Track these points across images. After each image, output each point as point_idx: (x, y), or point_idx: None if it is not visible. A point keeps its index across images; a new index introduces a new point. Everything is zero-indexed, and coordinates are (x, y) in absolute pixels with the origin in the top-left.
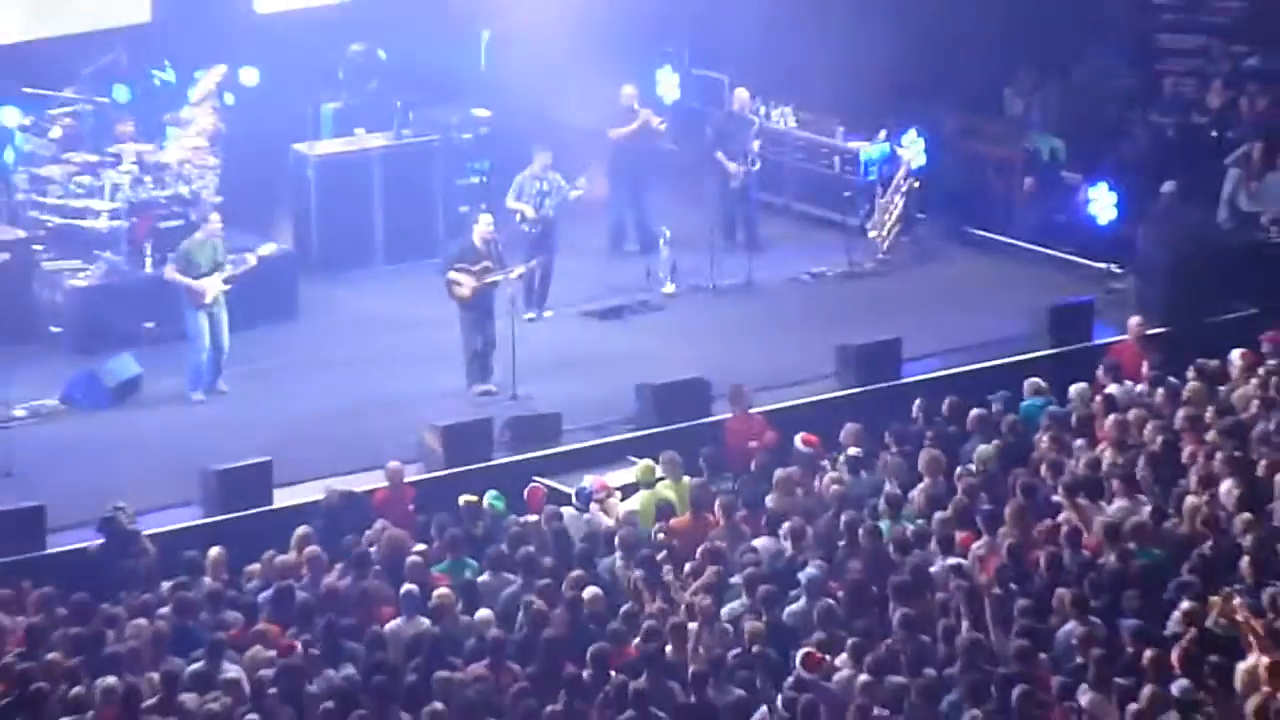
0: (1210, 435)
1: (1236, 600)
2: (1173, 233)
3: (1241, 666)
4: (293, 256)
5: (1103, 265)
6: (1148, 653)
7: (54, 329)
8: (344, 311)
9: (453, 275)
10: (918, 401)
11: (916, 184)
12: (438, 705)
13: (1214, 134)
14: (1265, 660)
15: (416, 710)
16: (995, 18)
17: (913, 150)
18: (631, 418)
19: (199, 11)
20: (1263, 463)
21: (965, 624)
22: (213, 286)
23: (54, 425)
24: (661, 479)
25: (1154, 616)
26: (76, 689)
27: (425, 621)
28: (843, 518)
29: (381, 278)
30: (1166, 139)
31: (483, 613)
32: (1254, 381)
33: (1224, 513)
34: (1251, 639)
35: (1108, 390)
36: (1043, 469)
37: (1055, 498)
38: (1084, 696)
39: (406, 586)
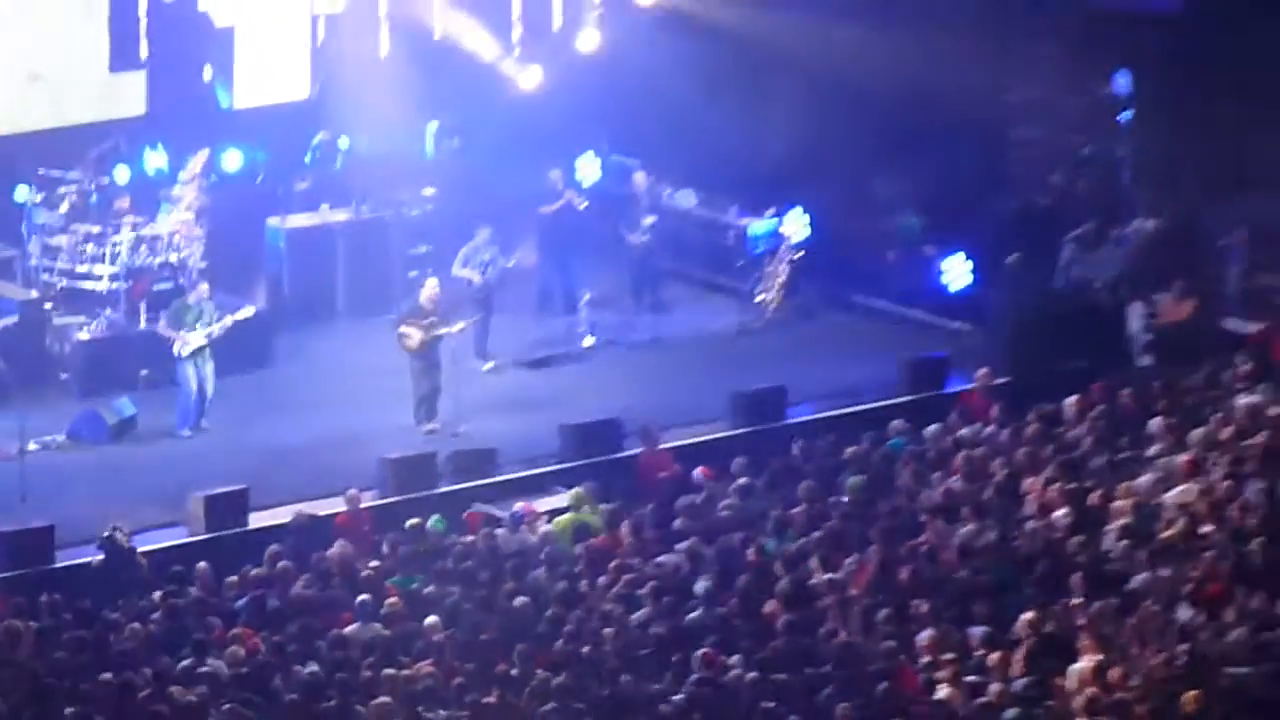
0: (1048, 470)
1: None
2: (1017, 296)
3: (1074, 668)
4: (267, 313)
5: (957, 325)
6: (994, 655)
7: (62, 375)
8: (312, 360)
9: (404, 329)
10: (798, 441)
11: (798, 255)
12: (386, 699)
13: (1053, 212)
14: (1093, 662)
15: (371, 702)
16: (870, 115)
17: (796, 226)
18: (556, 453)
19: (185, 105)
20: (1093, 493)
21: (840, 629)
22: (195, 340)
23: (62, 457)
24: (582, 505)
25: (1000, 624)
26: (80, 684)
27: (378, 626)
28: (735, 537)
29: (343, 332)
30: (1013, 216)
31: (429, 619)
32: (1085, 424)
33: (1059, 535)
34: (1082, 644)
35: (959, 431)
36: (905, 497)
37: (916, 521)
38: (941, 692)
39: (362, 596)
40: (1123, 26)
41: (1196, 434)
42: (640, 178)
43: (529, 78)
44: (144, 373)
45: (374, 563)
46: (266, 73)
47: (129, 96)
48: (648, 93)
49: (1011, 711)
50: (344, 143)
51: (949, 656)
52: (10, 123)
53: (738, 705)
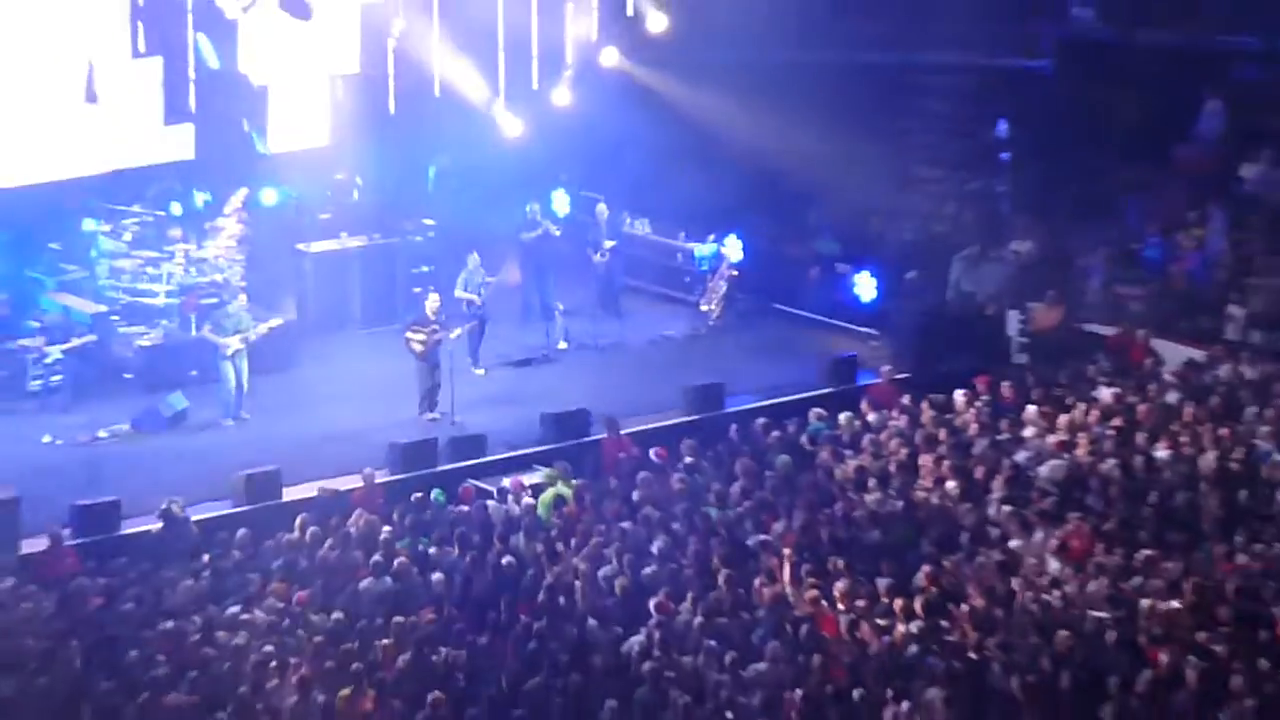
0: (941, 449)
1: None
2: (915, 306)
3: (964, 608)
4: (295, 323)
5: (866, 330)
6: (899, 601)
7: (126, 375)
8: (332, 362)
9: (410, 335)
10: (734, 426)
11: (735, 273)
12: (394, 640)
13: (945, 237)
14: (979, 604)
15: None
16: (795, 158)
17: (733, 249)
18: (536, 438)
19: (227, 151)
20: (978, 468)
21: (771, 581)
22: (234, 344)
23: (127, 444)
24: (558, 480)
25: (903, 577)
26: (141, 632)
27: (389, 581)
28: (684, 506)
29: (358, 338)
30: (912, 240)
31: (434, 575)
32: (972, 411)
33: (950, 503)
34: (970, 593)
35: (868, 417)
36: (823, 472)
37: (833, 492)
38: (855, 633)
39: (376, 556)
40: (1004, 82)
41: (1064, 419)
42: (601, 209)
43: (512, 128)
44: (193, 373)
45: (386, 529)
46: (293, 124)
47: (180, 144)
48: (610, 140)
49: (913, 648)
50: (358, 181)
51: (861, 604)
52: (81, 166)
53: (687, 644)
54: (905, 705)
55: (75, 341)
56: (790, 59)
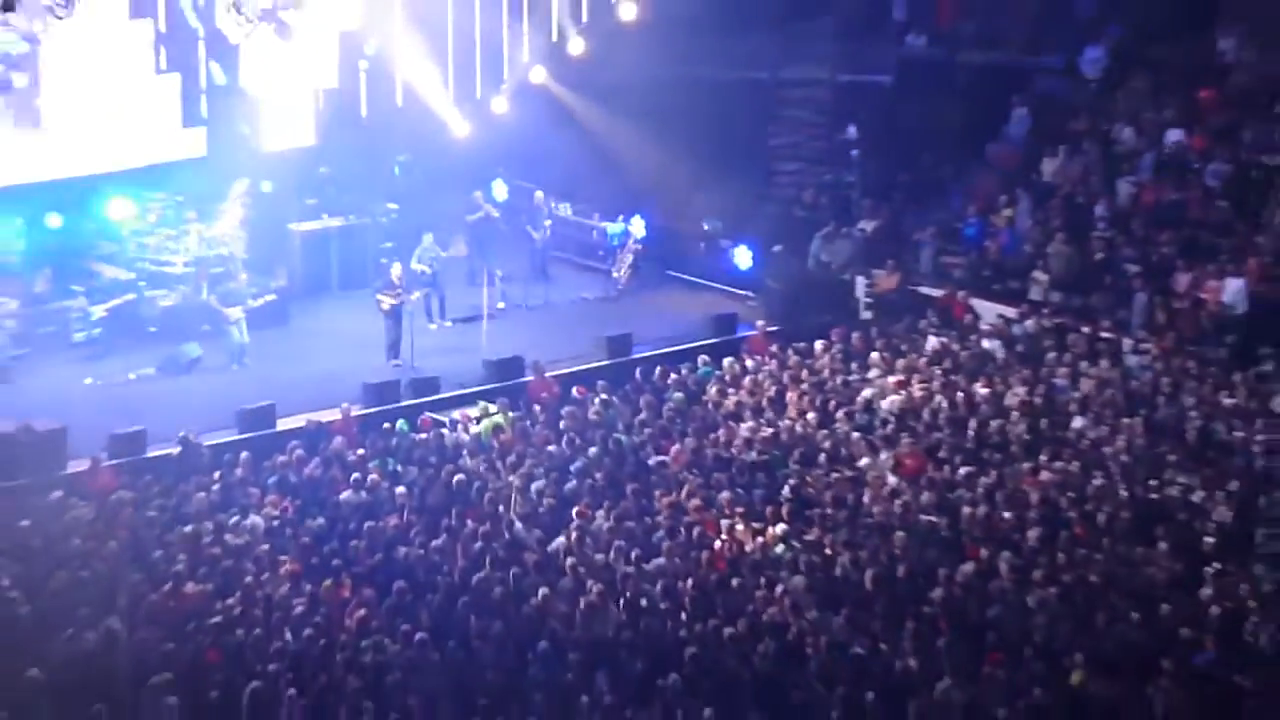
0: (803, 387)
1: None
2: (782, 273)
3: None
4: (286, 288)
5: (744, 292)
6: (769, 508)
7: (151, 329)
8: (316, 319)
9: (379, 297)
10: (638, 369)
11: (640, 247)
12: (365, 541)
13: (806, 218)
14: (832, 511)
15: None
16: (685, 156)
17: (637, 228)
18: (480, 379)
19: (232, 149)
20: (831, 402)
21: (668, 493)
22: (235, 314)
23: (152, 385)
24: (497, 413)
25: (773, 490)
26: (164, 535)
27: (364, 494)
28: (599, 433)
29: (337, 301)
30: (779, 220)
31: (398, 489)
32: (827, 357)
33: (811, 431)
34: (826, 503)
35: (746, 362)
36: (710, 406)
37: (717, 421)
38: (735, 534)
39: (354, 474)
40: (853, 94)
41: (901, 363)
42: (539, 195)
43: (460, 129)
44: (205, 328)
45: (360, 451)
46: (284, 127)
47: (194, 143)
48: (539, 140)
49: (780, 547)
50: (323, 170)
51: (740, 510)
52: (114, 162)
53: (600, 544)
54: (776, 591)
55: (112, 302)
56: (682, 75)
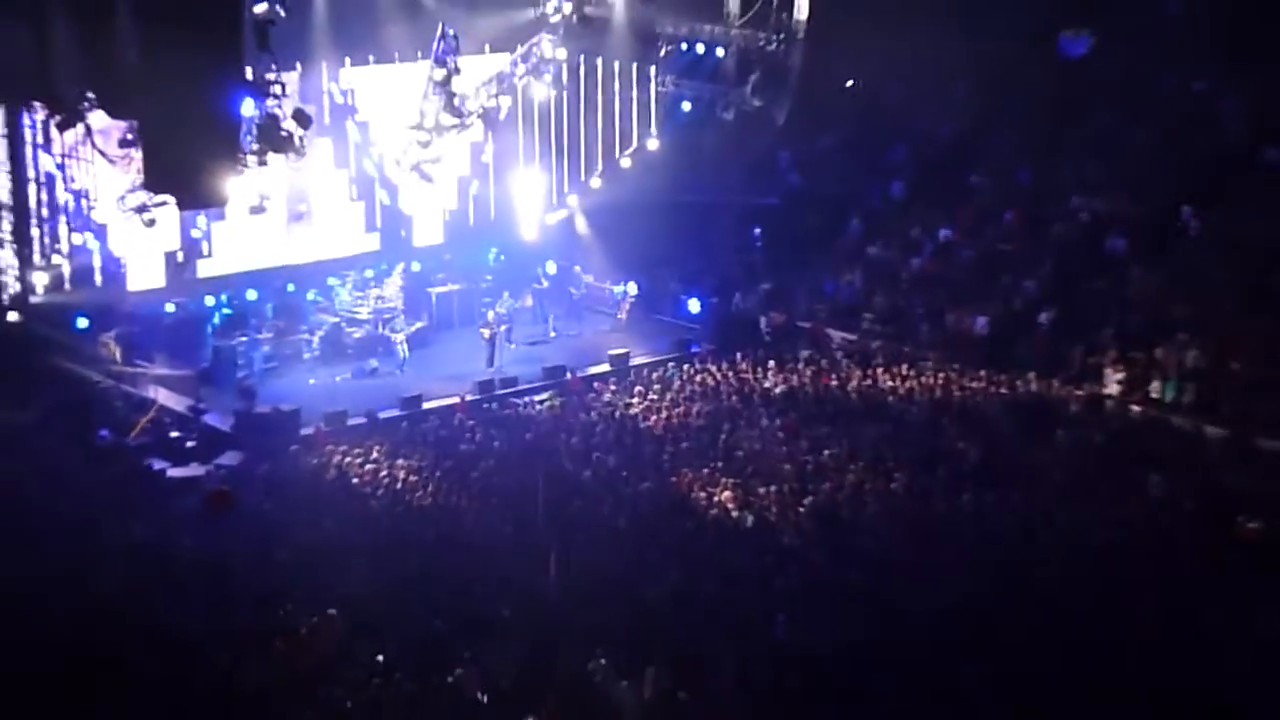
0: (730, 383)
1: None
2: (717, 315)
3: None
4: (426, 326)
5: (694, 326)
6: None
7: (349, 351)
8: (444, 345)
9: (481, 330)
10: (633, 370)
11: (633, 299)
12: (476, 474)
13: (727, 280)
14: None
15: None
16: (662, 242)
17: (632, 288)
18: (540, 378)
19: (396, 245)
20: (746, 390)
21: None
22: (399, 339)
23: (348, 384)
24: (550, 398)
25: (714, 441)
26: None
27: (473, 445)
28: (610, 409)
29: (457, 333)
30: (715, 282)
31: (494, 443)
32: (745, 365)
33: (736, 406)
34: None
35: (697, 368)
36: (677, 391)
37: (683, 400)
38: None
39: (467, 434)
40: (756, 210)
41: (787, 369)
42: (577, 269)
43: (530, 233)
44: (380, 349)
45: (470, 422)
46: (425, 232)
47: (372, 242)
48: (572, 237)
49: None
50: (449, 257)
51: (689, 449)
52: (327, 252)
53: (615, 474)
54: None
55: (320, 331)
56: (660, 198)
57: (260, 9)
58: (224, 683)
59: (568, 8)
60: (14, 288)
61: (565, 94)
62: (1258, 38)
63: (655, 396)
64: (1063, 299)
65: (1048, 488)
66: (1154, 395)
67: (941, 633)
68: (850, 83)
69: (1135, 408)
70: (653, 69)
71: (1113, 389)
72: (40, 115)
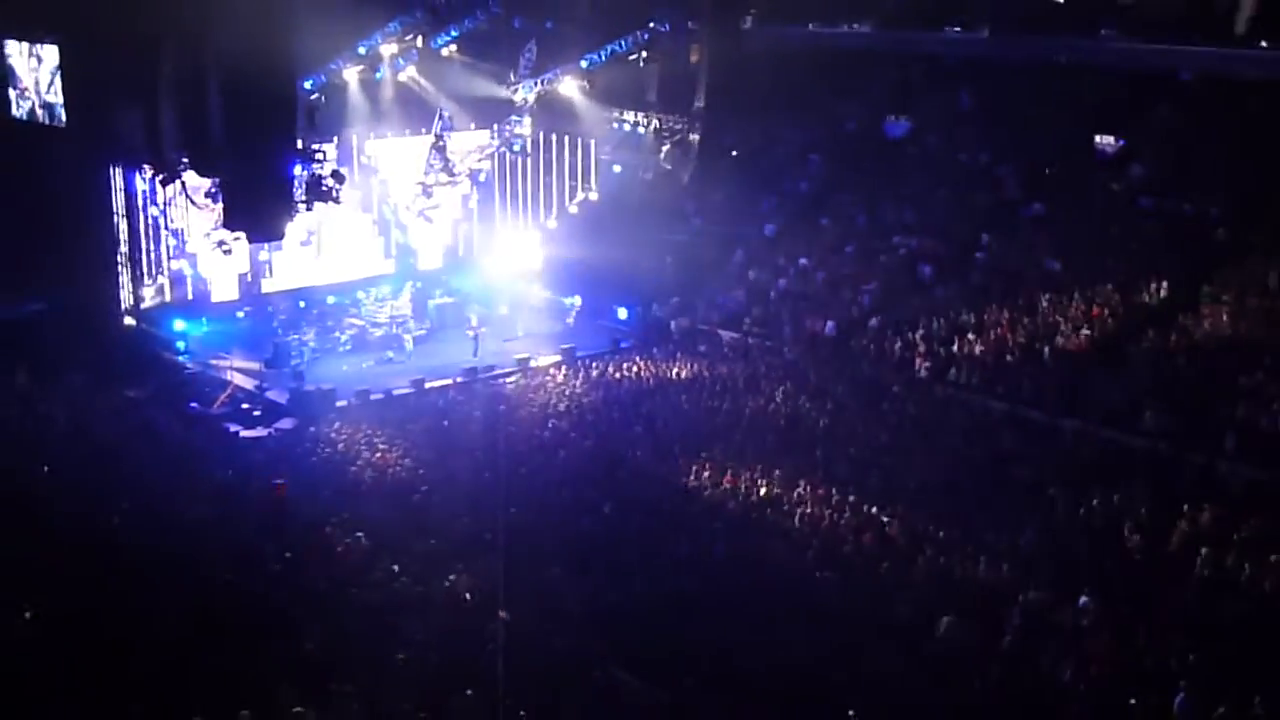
0: (650, 368)
1: None
2: (641, 320)
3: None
4: (429, 329)
5: (624, 329)
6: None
7: (371, 345)
8: (441, 342)
9: (467, 332)
10: (579, 360)
11: (578, 308)
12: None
13: (645, 295)
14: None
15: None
16: (600, 269)
17: (578, 301)
18: (512, 366)
19: (407, 268)
20: (660, 373)
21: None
22: (408, 340)
23: (371, 369)
24: (516, 377)
25: (637, 409)
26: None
27: (477, 415)
28: (561, 390)
29: (450, 333)
30: (638, 296)
31: (474, 413)
32: (659, 356)
33: (650, 385)
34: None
35: (623, 360)
36: (609, 378)
37: (609, 385)
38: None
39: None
40: (655, 247)
41: (690, 359)
42: (537, 287)
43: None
44: (395, 344)
45: (460, 398)
46: (427, 259)
47: (389, 266)
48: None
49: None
50: (447, 279)
51: (619, 415)
52: (353, 274)
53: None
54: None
55: (350, 331)
56: (601, 236)
57: (311, 98)
58: (285, 584)
59: (532, 96)
60: (129, 301)
61: (529, 159)
62: (1026, 122)
63: (595, 379)
64: (887, 309)
65: (876, 445)
66: (951, 378)
67: (795, 543)
68: (735, 152)
69: (939, 387)
70: (593, 142)
71: (923, 373)
72: (148, 174)
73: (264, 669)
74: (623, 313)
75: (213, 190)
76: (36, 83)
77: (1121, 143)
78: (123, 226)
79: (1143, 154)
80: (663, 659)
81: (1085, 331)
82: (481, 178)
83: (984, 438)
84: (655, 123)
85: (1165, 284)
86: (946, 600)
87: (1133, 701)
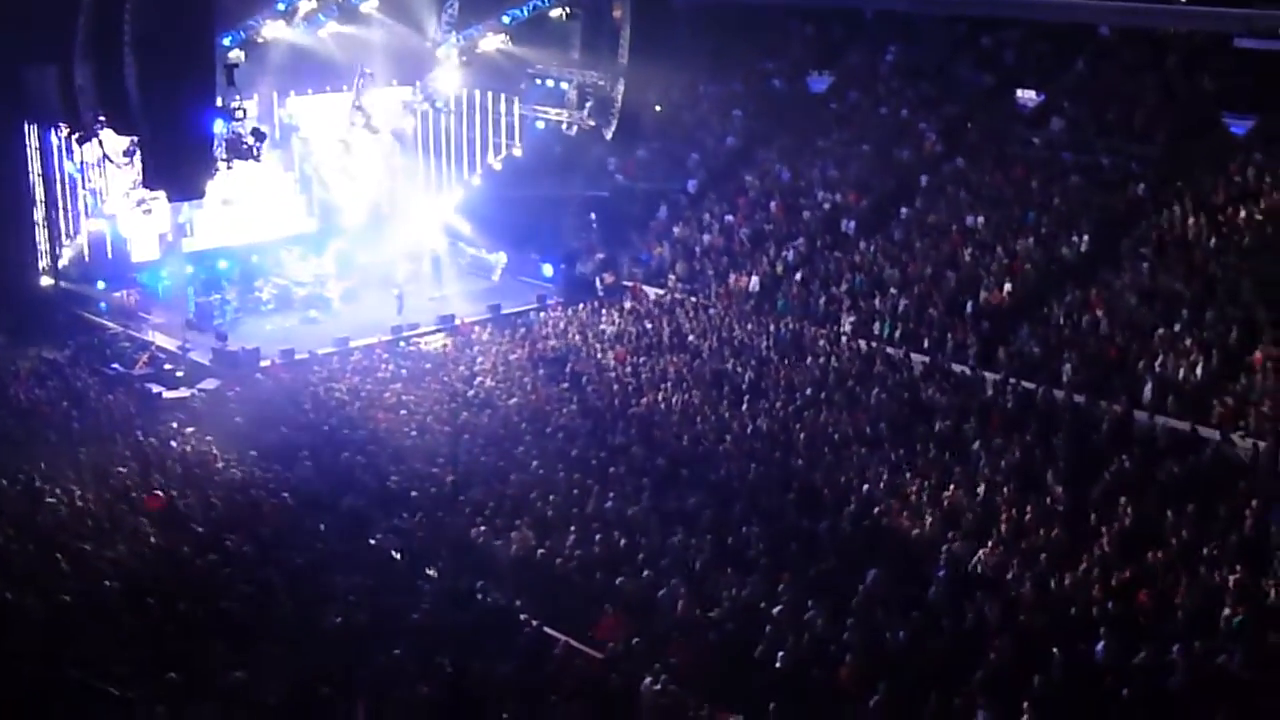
0: (575, 324)
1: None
2: (564, 278)
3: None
4: (353, 287)
5: (549, 285)
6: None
7: (294, 304)
8: (367, 301)
9: (393, 291)
10: (505, 317)
11: (504, 264)
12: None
13: (572, 252)
14: (585, 373)
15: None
16: (527, 226)
17: (502, 258)
18: (437, 323)
19: (328, 227)
20: (587, 331)
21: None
22: (333, 296)
23: (294, 329)
24: (445, 338)
25: (561, 368)
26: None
27: (404, 371)
28: (490, 348)
29: (376, 291)
30: (563, 254)
31: (402, 371)
32: (584, 311)
33: (577, 343)
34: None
35: (552, 314)
36: (536, 332)
37: (537, 336)
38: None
39: (382, 366)
40: (593, 201)
41: (615, 315)
42: (462, 244)
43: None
44: (318, 303)
45: (385, 356)
46: (351, 217)
47: (311, 224)
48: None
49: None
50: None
51: (543, 375)
52: (276, 233)
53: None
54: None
55: (273, 290)
56: (525, 193)
57: (229, 55)
58: (210, 545)
59: (455, 53)
60: (46, 261)
61: (452, 115)
62: (948, 77)
63: (521, 336)
64: (811, 264)
65: (800, 399)
66: (875, 332)
67: (722, 496)
68: (658, 108)
69: (862, 342)
70: (517, 98)
71: (846, 328)
72: (64, 133)
73: (190, 630)
74: (548, 269)
75: (131, 149)
76: None
77: (1042, 97)
78: (39, 186)
79: (1062, 108)
80: (592, 619)
81: (1007, 285)
82: (407, 132)
83: (907, 390)
84: (578, 78)
85: (1086, 238)
86: (873, 554)
87: (1054, 650)
